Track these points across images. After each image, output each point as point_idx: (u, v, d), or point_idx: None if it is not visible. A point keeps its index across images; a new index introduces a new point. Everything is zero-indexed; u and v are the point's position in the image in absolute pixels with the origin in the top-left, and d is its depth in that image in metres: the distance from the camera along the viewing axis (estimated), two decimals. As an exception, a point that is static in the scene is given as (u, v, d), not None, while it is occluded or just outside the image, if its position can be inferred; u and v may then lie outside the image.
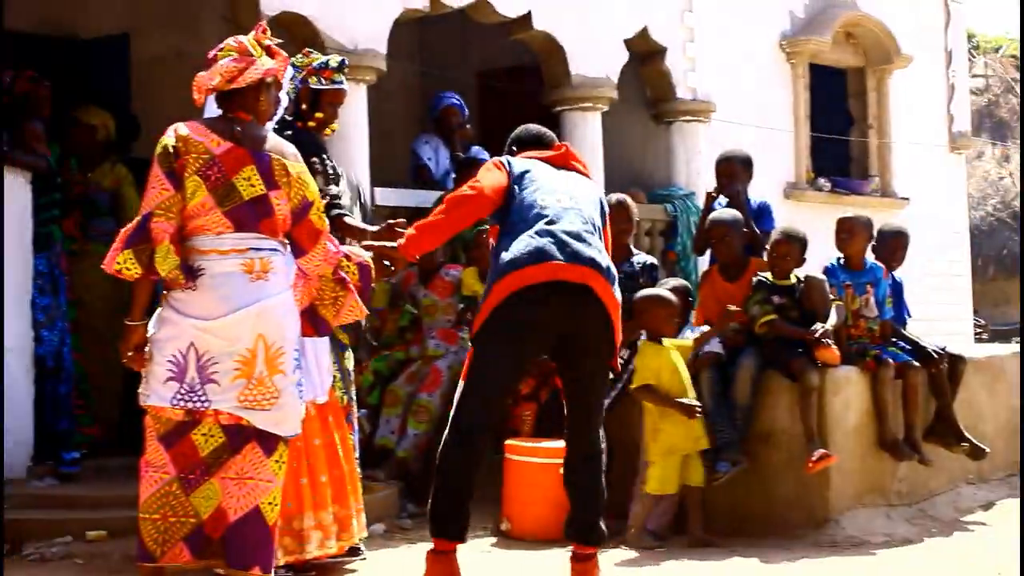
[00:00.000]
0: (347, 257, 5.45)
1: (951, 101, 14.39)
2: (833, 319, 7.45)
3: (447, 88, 10.44)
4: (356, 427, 6.48)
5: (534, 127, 6.27)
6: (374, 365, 8.06)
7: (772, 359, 7.40)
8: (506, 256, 5.59)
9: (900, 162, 13.48)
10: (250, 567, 5.05)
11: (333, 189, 6.37)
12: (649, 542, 7.10)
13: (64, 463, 7.66)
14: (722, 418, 7.21)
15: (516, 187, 5.75)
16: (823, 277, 7.67)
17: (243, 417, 5.02)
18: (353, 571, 6.30)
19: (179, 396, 5.01)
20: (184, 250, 5.00)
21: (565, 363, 5.82)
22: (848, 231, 7.95)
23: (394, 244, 5.82)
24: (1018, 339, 16.62)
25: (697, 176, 11.22)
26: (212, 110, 5.29)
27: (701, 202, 10.22)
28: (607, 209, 6.05)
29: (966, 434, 7.96)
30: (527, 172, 5.81)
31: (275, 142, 5.21)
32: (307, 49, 6.68)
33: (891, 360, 7.64)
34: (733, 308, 7.43)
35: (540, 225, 5.61)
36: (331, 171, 6.44)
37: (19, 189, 7.64)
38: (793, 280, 7.58)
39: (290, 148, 5.24)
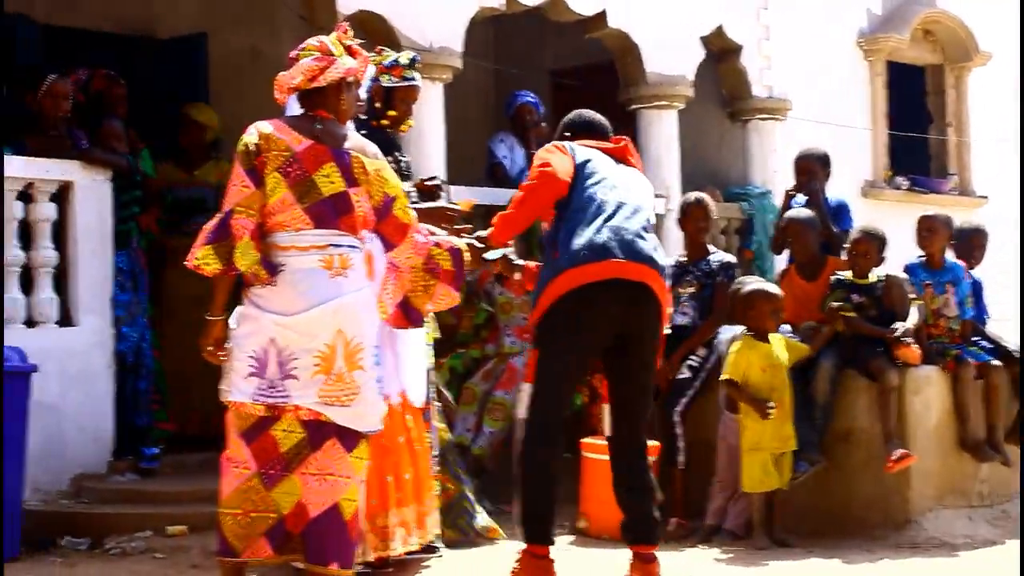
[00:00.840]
0: (438, 245, 5.47)
1: (1031, 99, 14.19)
2: (913, 318, 7.37)
3: (521, 86, 10.42)
4: (434, 425, 6.48)
5: (588, 113, 6.18)
6: (450, 363, 8.06)
7: (851, 358, 7.34)
8: (565, 252, 5.57)
9: (979, 160, 13.32)
10: (328, 563, 5.07)
11: (406, 186, 6.37)
12: (726, 541, 7.07)
13: (144, 458, 7.72)
14: (801, 418, 7.15)
15: (577, 175, 5.71)
16: (903, 276, 7.60)
17: (323, 413, 5.04)
18: (428, 567, 6.31)
19: (260, 392, 5.05)
20: (265, 247, 5.03)
21: (617, 360, 5.77)
22: (929, 229, 7.86)
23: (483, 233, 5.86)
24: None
25: (773, 174, 11.14)
26: (294, 109, 5.31)
27: (777, 200, 10.17)
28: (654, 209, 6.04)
29: (1049, 435, 7.86)
30: (588, 162, 5.75)
31: (356, 140, 5.23)
32: (380, 47, 6.69)
33: (972, 360, 7.56)
34: (836, 305, 7.35)
35: (600, 220, 5.58)
36: (405, 169, 6.44)
37: (99, 187, 7.71)
38: (873, 279, 7.51)
39: (371, 146, 5.27)
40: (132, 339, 7.90)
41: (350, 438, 5.11)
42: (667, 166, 10.44)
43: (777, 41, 11.31)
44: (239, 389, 5.07)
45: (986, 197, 13.22)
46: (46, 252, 7.54)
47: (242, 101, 8.79)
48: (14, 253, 7.41)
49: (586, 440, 7.37)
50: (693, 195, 8.12)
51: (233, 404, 5.11)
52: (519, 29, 11.33)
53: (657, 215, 9.76)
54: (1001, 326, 10.02)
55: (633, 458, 5.79)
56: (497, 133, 10.25)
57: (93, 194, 7.69)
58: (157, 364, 8.26)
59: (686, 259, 7.95)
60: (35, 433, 6.85)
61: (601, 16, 10.07)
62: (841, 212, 8.33)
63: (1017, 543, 7.06)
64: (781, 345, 7.21)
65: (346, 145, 5.16)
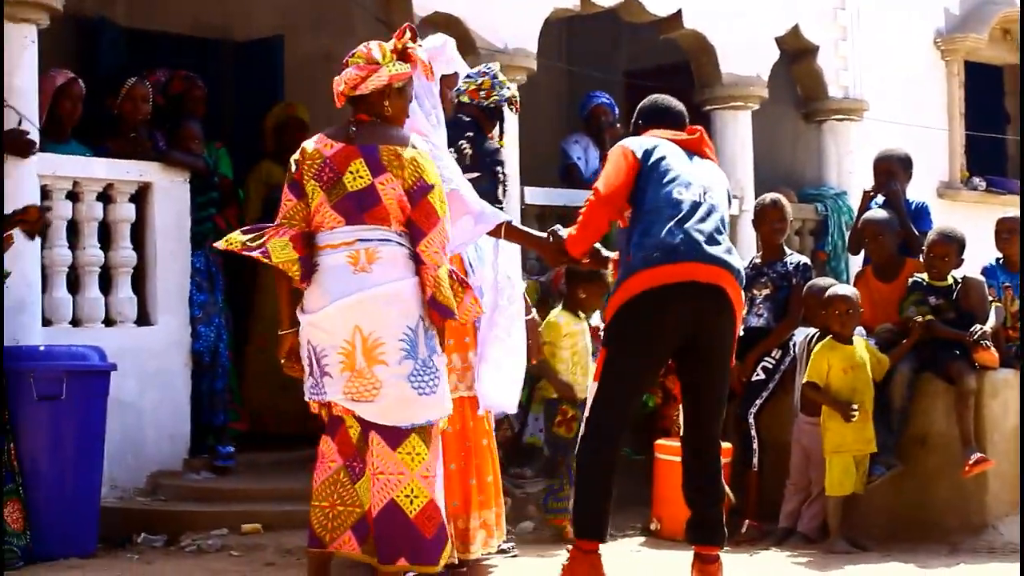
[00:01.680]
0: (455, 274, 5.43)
1: (1112, 98, 14.00)
2: (992, 321, 7.30)
3: (594, 87, 10.41)
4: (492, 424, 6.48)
5: (662, 99, 6.08)
6: (523, 363, 8.06)
7: (928, 361, 7.28)
8: (638, 253, 5.54)
9: (1058, 161, 13.16)
10: (394, 560, 5.12)
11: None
12: (799, 544, 7.03)
13: (219, 457, 7.79)
14: (877, 421, 7.09)
15: (649, 174, 5.64)
16: (981, 278, 7.51)
17: (352, 409, 5.13)
18: (494, 567, 6.32)
19: (311, 390, 5.22)
20: (310, 251, 5.20)
21: (690, 362, 5.73)
22: (1009, 231, 7.77)
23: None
24: None
25: (849, 175, 11.06)
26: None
27: (852, 202, 10.09)
28: (731, 200, 5.94)
29: None
30: (662, 159, 5.67)
31: (392, 134, 5.27)
32: (484, 71, 6.76)
33: (1051, 363, 7.47)
34: (918, 318, 7.29)
35: (673, 222, 5.52)
36: (503, 180, 6.51)
37: (177, 188, 7.79)
38: (950, 281, 7.44)
39: (415, 139, 5.29)
40: (208, 339, 7.98)
41: (390, 435, 5.14)
42: (741, 167, 10.39)
43: (853, 41, 11.23)
44: (305, 388, 5.25)
45: (1065, 198, 13.05)
46: (125, 252, 7.64)
47: (316, 103, 8.84)
48: (93, 253, 7.50)
49: (660, 441, 7.36)
50: (768, 196, 8.07)
51: (309, 403, 5.26)
52: (593, 30, 11.33)
53: (731, 216, 9.77)
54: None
55: (704, 459, 5.76)
56: (572, 134, 10.25)
57: (171, 195, 7.77)
58: (230, 364, 8.33)
59: (761, 261, 7.90)
60: (113, 431, 6.93)
61: (676, 17, 10.04)
62: (921, 214, 8.23)
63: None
64: (863, 347, 7.15)
65: (378, 140, 5.21)
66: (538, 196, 9.45)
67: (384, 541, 5.12)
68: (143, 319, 7.71)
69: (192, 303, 7.89)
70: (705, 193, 5.66)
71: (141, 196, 7.72)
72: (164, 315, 7.72)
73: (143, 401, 7.53)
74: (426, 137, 5.55)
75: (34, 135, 7.08)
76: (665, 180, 5.61)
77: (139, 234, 7.74)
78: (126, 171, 7.63)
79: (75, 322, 7.40)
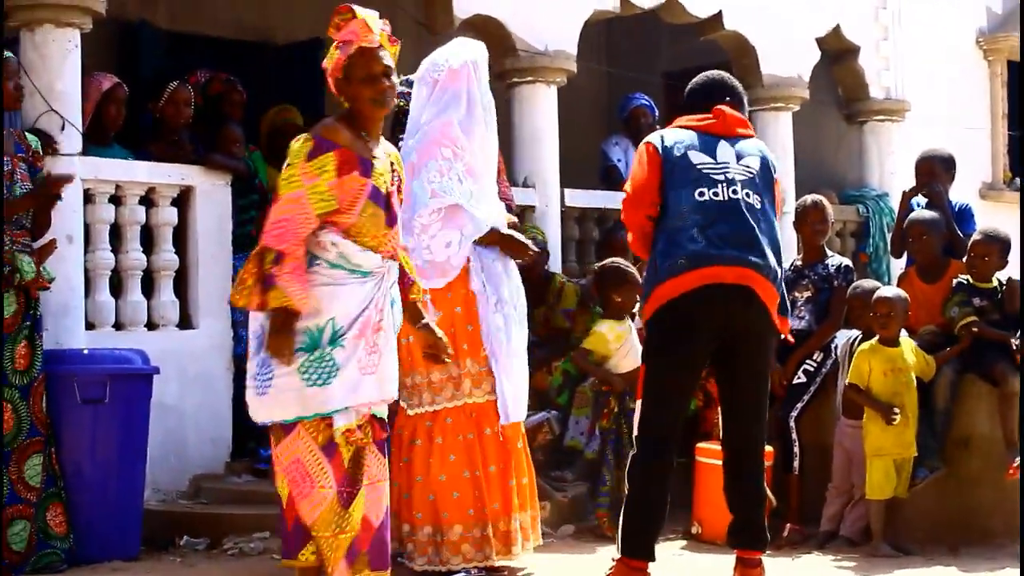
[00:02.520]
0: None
1: None
2: (1037, 323, 7.25)
3: (633, 89, 10.41)
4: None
5: (712, 77, 5.96)
6: (563, 366, 8.06)
7: (972, 363, 7.23)
8: (664, 262, 5.49)
9: (1102, 162, 13.06)
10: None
11: None
12: (842, 548, 7.00)
13: (260, 460, 7.81)
14: (920, 424, 7.04)
15: (671, 173, 5.57)
16: (1025, 280, 7.46)
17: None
18: (529, 572, 6.33)
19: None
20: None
21: (726, 365, 5.70)
22: (1052, 232, 7.71)
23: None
24: None
25: (891, 176, 11.02)
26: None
27: (894, 203, 10.04)
28: (776, 169, 5.78)
29: None
30: (684, 156, 5.57)
31: None
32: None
33: (1097, 365, 7.40)
34: (965, 321, 7.26)
35: (697, 227, 5.48)
36: None
37: (219, 191, 7.81)
38: (995, 283, 7.39)
39: None
40: (250, 342, 7.98)
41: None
42: (782, 169, 10.32)
43: (895, 41, 11.17)
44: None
45: (1110, 199, 12.95)
46: (167, 256, 7.66)
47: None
48: (136, 256, 7.53)
49: (701, 444, 7.34)
50: (810, 198, 8.03)
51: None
52: (633, 31, 11.32)
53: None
54: None
55: (745, 462, 5.73)
56: (611, 136, 10.25)
57: (213, 198, 7.79)
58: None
59: (802, 263, 7.86)
60: (155, 434, 6.96)
61: (717, 18, 10.02)
62: (964, 215, 8.18)
63: None
64: (909, 349, 7.10)
65: None
66: (578, 198, 9.45)
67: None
68: (185, 322, 7.73)
69: (233, 307, 7.90)
70: (730, 186, 5.56)
71: (183, 199, 7.74)
72: (206, 318, 7.74)
73: (185, 404, 7.55)
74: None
75: (77, 139, 7.12)
76: (687, 180, 5.53)
77: (181, 237, 7.76)
78: (168, 174, 7.65)
79: (118, 326, 7.43)
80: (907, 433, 6.96)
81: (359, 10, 5.18)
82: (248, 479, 7.72)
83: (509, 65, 9.03)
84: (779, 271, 5.62)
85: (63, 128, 7.05)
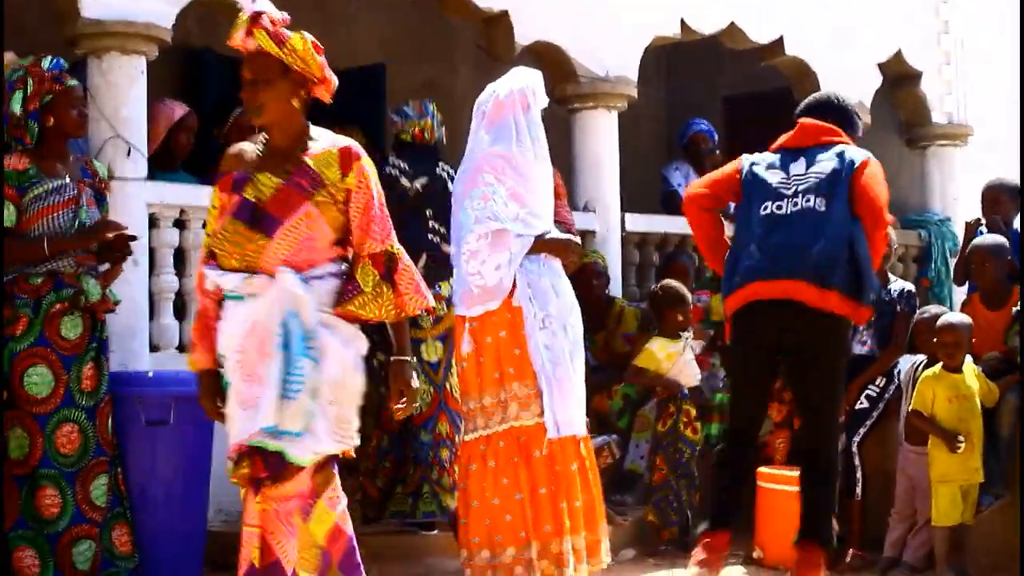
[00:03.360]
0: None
1: None
2: (1101, 349, 7.18)
3: (693, 113, 10.41)
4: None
5: (815, 95, 6.41)
6: (624, 390, 8.06)
7: (1038, 390, 7.18)
8: (731, 278, 5.77)
9: None
10: None
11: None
12: (905, 574, 6.95)
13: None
14: (986, 450, 6.99)
15: (747, 190, 5.80)
16: (1090, 305, 7.40)
17: None
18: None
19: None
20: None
21: (790, 376, 6.10)
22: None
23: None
24: None
25: (953, 202, 10.96)
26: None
27: (957, 228, 9.98)
28: (857, 165, 5.98)
29: None
30: (758, 173, 5.87)
31: None
32: (420, 111, 7.32)
33: None
34: None
35: (755, 241, 5.70)
36: None
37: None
38: (1060, 309, 7.34)
39: None
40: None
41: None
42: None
43: (957, 66, 11.11)
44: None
45: None
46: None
47: (417, 131, 8.91)
48: (168, 279, 7.54)
49: (762, 469, 7.31)
50: (870, 224, 7.99)
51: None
52: (693, 56, 11.32)
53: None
54: None
55: (815, 461, 6.05)
56: (672, 161, 10.25)
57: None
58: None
59: (865, 287, 7.83)
60: (219, 456, 6.98)
61: (778, 43, 10.01)
62: (1030, 241, 8.14)
63: None
64: (972, 375, 7.05)
65: None
66: (639, 223, 9.46)
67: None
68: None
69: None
70: (794, 197, 5.70)
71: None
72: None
73: (247, 426, 7.56)
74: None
75: (143, 165, 7.21)
76: (757, 197, 5.75)
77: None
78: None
79: (181, 348, 7.49)
80: (973, 459, 6.90)
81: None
82: (309, 501, 7.72)
83: (570, 91, 9.06)
84: (842, 269, 5.76)
85: (129, 154, 7.14)
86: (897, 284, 7.82)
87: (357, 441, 4.84)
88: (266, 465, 4.66)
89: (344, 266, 4.82)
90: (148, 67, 7.35)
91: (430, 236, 7.10)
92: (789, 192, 5.72)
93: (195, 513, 6.68)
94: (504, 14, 8.69)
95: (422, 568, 6.93)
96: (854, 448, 7.41)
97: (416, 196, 7.12)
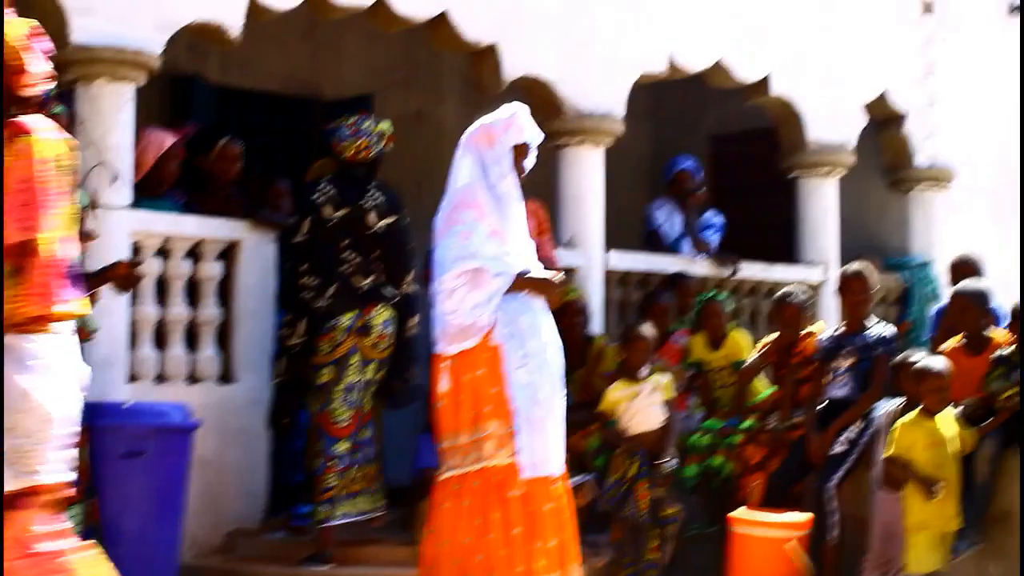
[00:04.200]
0: None
1: None
2: (1080, 397, 7.19)
3: (679, 151, 10.42)
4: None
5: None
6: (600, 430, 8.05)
7: (1014, 436, 7.17)
8: None
9: None
10: None
11: None
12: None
13: (295, 517, 7.80)
14: (962, 496, 6.99)
15: None
16: (1069, 353, 7.41)
17: None
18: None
19: None
20: None
21: None
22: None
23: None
24: None
25: (934, 245, 10.93)
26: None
27: (938, 271, 9.97)
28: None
29: None
30: None
31: None
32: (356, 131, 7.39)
33: None
34: (1006, 395, 7.22)
35: None
36: None
37: (265, 246, 7.84)
38: (1038, 357, 7.34)
39: None
40: (288, 398, 8.00)
41: None
42: (825, 234, 10.34)
43: (942, 107, 11.10)
44: None
45: None
46: (211, 310, 7.70)
47: (405, 160, 8.92)
48: (181, 310, 7.59)
49: (735, 514, 7.29)
50: (852, 267, 7.97)
51: None
52: (679, 94, 11.33)
53: (814, 285, 9.72)
54: None
55: None
56: (656, 199, 10.24)
57: (259, 254, 7.81)
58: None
59: (844, 331, 7.83)
60: (194, 488, 6.98)
61: (763, 83, 10.02)
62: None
63: None
64: (949, 422, 7.06)
65: None
66: (623, 260, 9.42)
67: None
68: (226, 376, 7.76)
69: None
70: None
71: (229, 254, 7.78)
72: (246, 373, 7.76)
73: (223, 459, 7.55)
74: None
75: (127, 192, 7.21)
76: None
77: (225, 291, 7.81)
78: (216, 229, 7.70)
79: (160, 378, 7.48)
80: (949, 506, 6.91)
81: None
82: (282, 536, 7.69)
83: (557, 126, 9.04)
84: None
85: (114, 181, 7.14)
86: (875, 328, 7.82)
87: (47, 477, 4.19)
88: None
89: None
90: (137, 93, 7.37)
91: (341, 267, 7.17)
92: None
93: (168, 546, 6.67)
94: (492, 48, 8.71)
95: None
96: (831, 492, 7.40)
97: (333, 226, 7.18)
